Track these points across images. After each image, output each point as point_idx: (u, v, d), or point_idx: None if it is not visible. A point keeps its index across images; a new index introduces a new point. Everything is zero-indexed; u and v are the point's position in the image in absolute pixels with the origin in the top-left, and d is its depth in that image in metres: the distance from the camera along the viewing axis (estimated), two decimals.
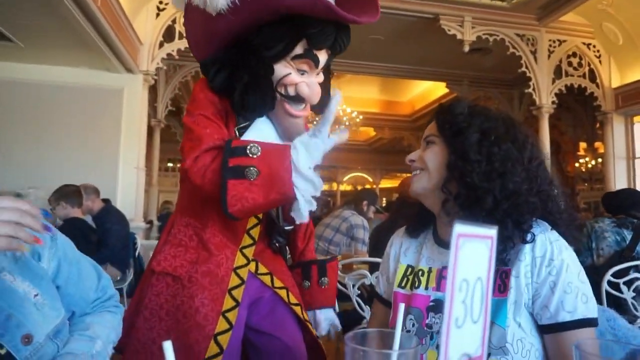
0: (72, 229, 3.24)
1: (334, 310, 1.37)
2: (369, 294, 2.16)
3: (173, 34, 5.33)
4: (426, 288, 0.98)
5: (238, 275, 1.14)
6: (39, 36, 4.22)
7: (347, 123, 9.93)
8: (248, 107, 1.11)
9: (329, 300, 1.33)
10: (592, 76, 6.17)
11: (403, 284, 1.04)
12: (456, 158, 0.93)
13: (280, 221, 1.24)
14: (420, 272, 1.01)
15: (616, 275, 2.26)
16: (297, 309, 1.22)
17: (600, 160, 9.10)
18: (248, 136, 1.13)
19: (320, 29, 1.07)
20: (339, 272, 1.62)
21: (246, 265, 1.17)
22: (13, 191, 3.92)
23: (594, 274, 2.30)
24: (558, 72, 6.04)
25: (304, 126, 1.18)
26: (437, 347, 0.92)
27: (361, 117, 10.12)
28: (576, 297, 0.84)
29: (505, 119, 0.98)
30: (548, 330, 0.86)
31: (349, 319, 1.35)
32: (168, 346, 0.38)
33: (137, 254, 3.98)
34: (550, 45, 5.97)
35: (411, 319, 0.96)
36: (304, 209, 0.97)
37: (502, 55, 6.06)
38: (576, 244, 0.95)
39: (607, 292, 2.25)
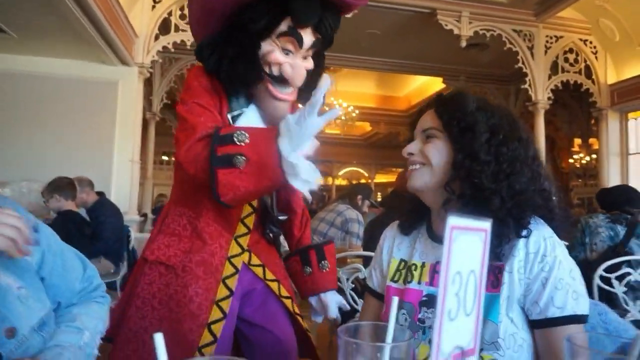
0: (65, 221, 3.23)
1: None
2: (362, 288, 2.17)
3: (169, 26, 5.28)
4: (419, 283, 0.97)
5: (232, 264, 1.15)
6: (32, 27, 4.17)
7: (342, 117, 9.93)
8: (233, 80, 1.11)
9: (331, 283, 1.33)
10: (588, 72, 6.19)
11: (396, 278, 1.03)
12: (464, 157, 0.90)
13: (275, 211, 1.24)
14: (413, 267, 1.00)
15: (608, 270, 2.28)
16: (288, 302, 1.23)
17: (594, 156, 9.15)
18: (238, 124, 1.13)
19: (304, 4, 1.07)
20: None
21: (240, 254, 1.17)
22: (3, 182, 3.91)
23: (587, 269, 2.32)
24: (554, 68, 6.05)
25: (287, 111, 1.17)
26: (429, 341, 0.92)
27: (357, 111, 10.11)
28: (567, 293, 0.84)
29: (507, 115, 0.97)
30: (538, 326, 0.86)
31: (343, 312, 1.36)
32: (159, 338, 0.38)
33: (131, 247, 3.97)
34: (547, 41, 5.97)
35: (403, 314, 0.96)
36: (301, 187, 0.96)
37: (499, 51, 6.06)
38: (569, 239, 0.95)
39: (599, 287, 2.27)
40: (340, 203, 3.84)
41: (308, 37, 1.11)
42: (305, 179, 0.94)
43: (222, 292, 1.11)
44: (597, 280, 2.25)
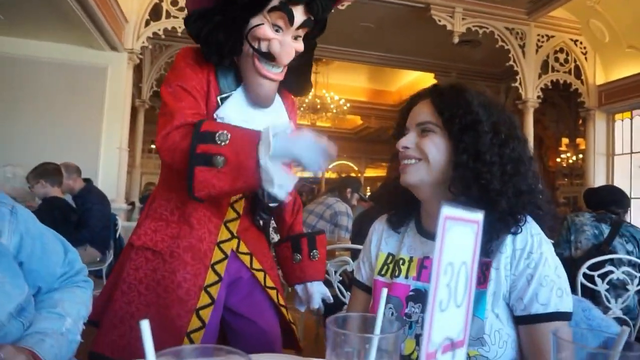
0: (51, 208, 3.18)
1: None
2: (350, 281, 2.18)
3: (160, 12, 5.20)
4: (406, 277, 0.97)
5: (222, 249, 1.15)
6: (20, 9, 4.08)
7: (334, 110, 9.90)
8: (210, 45, 1.10)
9: (319, 273, 1.33)
10: (578, 72, 6.25)
11: (383, 272, 1.03)
12: (468, 158, 0.88)
13: (266, 198, 1.23)
14: (401, 261, 1.00)
15: (592, 267, 2.32)
16: (273, 293, 1.23)
17: (581, 156, 9.26)
18: (225, 107, 1.12)
19: None
20: None
21: (229, 240, 1.17)
22: None
23: (571, 266, 2.35)
24: (545, 67, 6.10)
25: (273, 92, 1.17)
26: (416, 336, 0.92)
27: (348, 105, 10.10)
28: (551, 290, 0.85)
29: (504, 111, 0.95)
30: (522, 322, 0.87)
31: (330, 305, 1.36)
32: (145, 325, 0.38)
33: (117, 235, 3.93)
34: (538, 40, 6.02)
35: (390, 308, 0.96)
36: (277, 192, 0.97)
37: (491, 48, 6.09)
38: (553, 237, 0.96)
39: (582, 284, 2.30)
40: (330, 196, 3.84)
41: (299, 14, 1.10)
42: (279, 184, 0.95)
43: (211, 277, 1.11)
44: (580, 278, 2.28)
